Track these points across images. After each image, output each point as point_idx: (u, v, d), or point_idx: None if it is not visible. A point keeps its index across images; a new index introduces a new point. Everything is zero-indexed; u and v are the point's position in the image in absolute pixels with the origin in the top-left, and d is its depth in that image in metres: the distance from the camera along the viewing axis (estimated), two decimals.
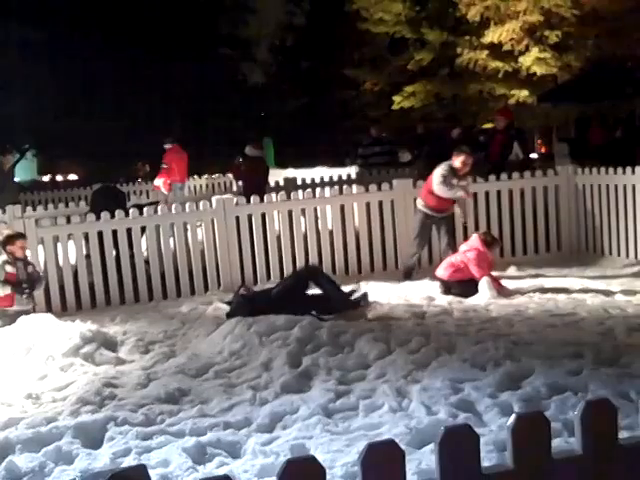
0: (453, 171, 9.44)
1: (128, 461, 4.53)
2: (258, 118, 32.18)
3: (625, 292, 8.35)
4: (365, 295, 8.18)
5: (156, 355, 7.01)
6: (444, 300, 8.50)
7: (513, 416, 2.27)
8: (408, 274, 9.80)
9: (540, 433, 2.26)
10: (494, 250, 9.20)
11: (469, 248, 8.90)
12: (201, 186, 21.13)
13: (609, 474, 2.31)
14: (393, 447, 2.14)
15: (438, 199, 9.53)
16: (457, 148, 9.73)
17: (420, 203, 9.73)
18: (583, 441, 2.29)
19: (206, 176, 22.54)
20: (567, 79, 21.53)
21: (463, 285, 8.68)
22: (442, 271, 8.94)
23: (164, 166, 16.50)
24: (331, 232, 10.23)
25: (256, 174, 12.65)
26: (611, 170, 10.21)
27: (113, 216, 9.58)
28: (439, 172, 9.43)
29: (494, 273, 8.97)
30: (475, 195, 10.44)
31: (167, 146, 16.60)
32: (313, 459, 2.10)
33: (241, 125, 27.45)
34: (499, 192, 10.58)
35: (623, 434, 2.39)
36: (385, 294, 8.84)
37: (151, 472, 2.10)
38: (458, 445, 2.18)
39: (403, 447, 2.21)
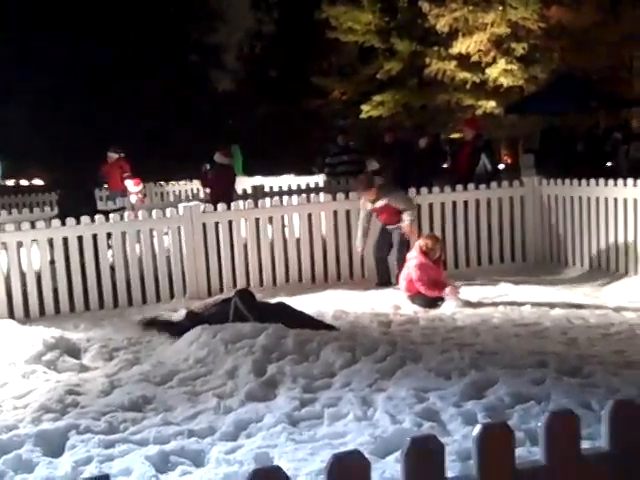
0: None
1: (90, 470, 4.45)
2: (226, 126, 32.06)
3: (588, 302, 8.44)
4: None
5: (120, 362, 6.92)
6: (410, 309, 8.52)
7: (478, 426, 2.28)
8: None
9: (504, 443, 2.26)
10: (436, 252, 8.82)
11: (411, 258, 8.84)
12: (168, 193, 21.00)
13: None
14: (359, 458, 2.13)
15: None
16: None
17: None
18: (547, 451, 2.30)
19: (173, 183, 22.40)
20: (533, 91, 21.77)
21: (422, 297, 8.66)
22: (402, 283, 8.94)
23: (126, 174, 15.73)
24: (298, 240, 10.22)
25: (224, 182, 12.60)
26: (576, 182, 10.33)
27: (79, 222, 9.49)
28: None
29: (458, 282, 9.01)
30: (442, 205, 10.52)
31: (114, 155, 15.74)
32: (278, 468, 2.09)
33: (209, 132, 27.33)
34: (466, 202, 10.65)
35: (584, 444, 2.41)
36: (351, 302, 8.85)
37: None
38: (424, 455, 2.17)
39: (367, 456, 2.20)
